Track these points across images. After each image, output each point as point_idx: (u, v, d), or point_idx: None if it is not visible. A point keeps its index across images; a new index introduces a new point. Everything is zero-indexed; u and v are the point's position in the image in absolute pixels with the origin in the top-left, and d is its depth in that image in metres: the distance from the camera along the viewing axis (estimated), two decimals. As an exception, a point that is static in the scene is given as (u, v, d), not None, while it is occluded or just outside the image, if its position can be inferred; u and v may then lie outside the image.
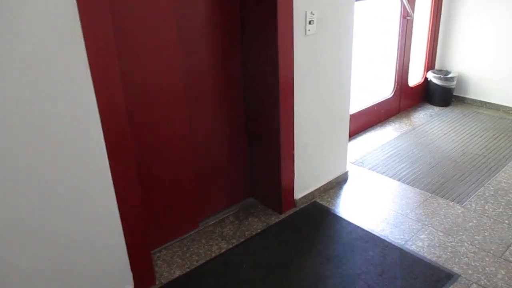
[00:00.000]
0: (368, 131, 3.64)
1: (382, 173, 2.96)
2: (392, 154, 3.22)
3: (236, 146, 2.49)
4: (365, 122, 3.65)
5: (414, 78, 4.15)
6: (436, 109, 4.08)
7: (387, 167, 3.03)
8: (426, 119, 3.85)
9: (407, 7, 3.55)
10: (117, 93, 1.64)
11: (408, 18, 3.66)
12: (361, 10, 3.48)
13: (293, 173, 2.50)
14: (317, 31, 2.29)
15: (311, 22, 2.23)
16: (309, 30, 2.24)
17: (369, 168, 3.03)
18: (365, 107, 3.61)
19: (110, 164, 1.70)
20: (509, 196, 2.63)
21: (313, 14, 2.23)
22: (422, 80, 4.18)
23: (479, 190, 2.71)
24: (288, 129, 2.35)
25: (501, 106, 3.97)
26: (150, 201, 2.15)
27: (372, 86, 3.91)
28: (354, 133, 3.54)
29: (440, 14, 4.07)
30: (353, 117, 3.48)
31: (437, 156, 3.16)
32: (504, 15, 3.70)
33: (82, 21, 1.47)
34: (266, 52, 2.19)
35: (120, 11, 1.76)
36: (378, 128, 3.70)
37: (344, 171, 2.88)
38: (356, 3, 3.14)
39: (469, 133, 3.54)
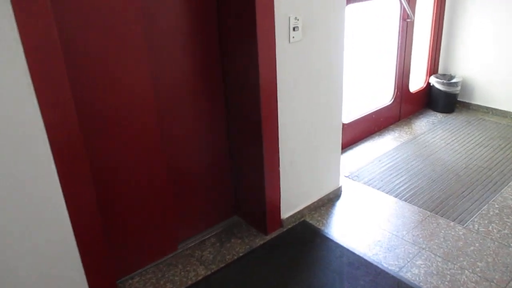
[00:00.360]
0: (365, 140, 3.43)
1: (378, 188, 2.75)
2: (390, 166, 3.02)
3: (218, 160, 2.31)
4: (362, 131, 3.44)
5: (416, 83, 3.94)
6: (439, 116, 3.86)
7: (384, 181, 2.82)
8: (428, 127, 3.63)
9: (406, 9, 3.34)
10: (68, 105, 1.46)
11: (408, 20, 3.45)
12: (358, 12, 3.28)
13: (279, 191, 2.31)
14: (303, 38, 2.10)
15: (296, 29, 2.04)
16: (293, 37, 2.05)
17: (365, 183, 2.83)
18: (363, 115, 3.40)
19: (62, 189, 1.52)
20: (515, 216, 2.42)
21: (298, 20, 2.03)
22: (425, 85, 3.96)
23: (483, 208, 2.50)
24: (272, 143, 2.16)
25: (508, 112, 3.74)
26: (120, 223, 1.97)
27: (371, 92, 3.71)
28: (350, 143, 3.34)
29: (443, 16, 3.85)
30: (349, 126, 3.28)
31: (439, 168, 2.95)
32: (512, 16, 3.47)
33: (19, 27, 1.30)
34: (246, 60, 2.00)
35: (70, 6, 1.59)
36: (376, 137, 3.49)
37: (337, 187, 2.68)
38: (353, 6, 2.94)
39: (473, 142, 3.32)
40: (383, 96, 3.69)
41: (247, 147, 2.22)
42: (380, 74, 3.72)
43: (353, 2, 2.93)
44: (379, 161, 3.10)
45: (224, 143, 2.30)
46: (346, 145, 3.31)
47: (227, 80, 2.14)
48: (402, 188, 2.74)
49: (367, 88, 3.66)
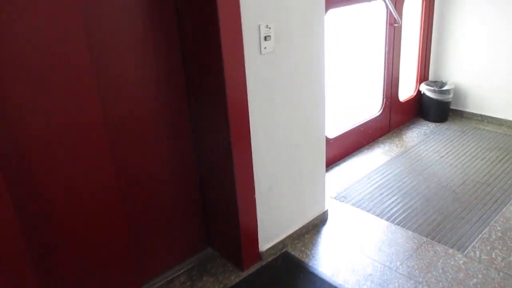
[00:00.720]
0: (353, 155, 3.18)
1: (368, 210, 2.49)
2: (381, 184, 2.76)
3: (185, 188, 2.03)
4: (350, 145, 3.19)
5: (406, 92, 3.70)
6: (431, 125, 3.63)
7: (374, 202, 2.57)
8: (420, 138, 3.39)
9: (393, 13, 3.11)
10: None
11: (395, 25, 3.22)
12: (341, 17, 3.04)
13: (256, 221, 2.04)
14: (277, 48, 1.84)
15: (267, 38, 1.78)
16: (265, 47, 1.79)
17: (353, 204, 2.57)
18: (349, 128, 3.15)
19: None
20: (520, 239, 2.18)
21: (269, 29, 1.78)
22: (415, 94, 3.73)
23: (483, 232, 2.25)
24: (245, 168, 1.89)
25: (504, 120, 3.51)
26: (67, 269, 1.69)
27: (357, 103, 3.47)
28: (336, 159, 3.09)
29: (432, 19, 3.63)
30: (335, 141, 3.03)
31: (433, 186, 2.70)
32: (505, 19, 3.25)
33: None
34: (211, 78, 1.73)
35: None
36: (365, 151, 3.24)
37: (322, 211, 2.42)
38: (334, 11, 2.70)
39: (469, 154, 3.08)
40: (371, 106, 3.45)
41: (218, 174, 1.95)
42: (367, 83, 3.48)
43: (334, 7, 2.69)
44: (369, 178, 2.84)
45: (192, 170, 2.03)
46: (332, 162, 3.05)
47: (192, 100, 1.88)
48: (394, 209, 2.49)
49: (353, 99, 3.42)
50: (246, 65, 1.74)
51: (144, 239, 1.95)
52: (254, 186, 1.96)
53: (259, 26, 1.74)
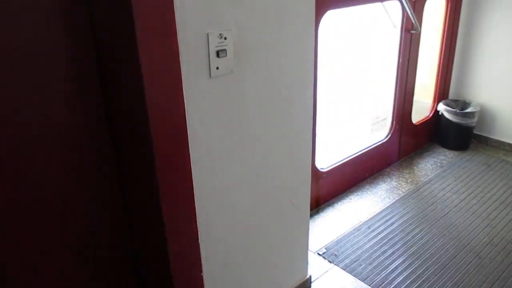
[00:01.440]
0: (351, 192, 2.57)
1: (365, 279, 1.89)
2: (383, 237, 2.16)
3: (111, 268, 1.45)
4: (347, 179, 2.58)
5: (420, 112, 3.08)
6: (450, 154, 3.01)
7: (374, 265, 1.97)
8: (436, 171, 2.78)
9: (411, 17, 2.48)
10: None
11: (413, 32, 2.59)
12: (343, 20, 2.43)
13: (205, 307, 1.45)
14: (237, 68, 1.24)
15: (222, 54, 1.18)
16: (217, 67, 1.18)
17: (345, 266, 1.97)
18: (348, 157, 2.55)
19: None
20: None
21: (225, 39, 1.17)
22: (431, 115, 3.11)
23: (520, 326, 1.65)
24: (185, 239, 1.30)
25: (539, 153, 2.89)
26: None
27: (359, 125, 2.86)
28: (329, 198, 2.48)
29: (457, 28, 3.00)
30: (329, 174, 2.42)
31: (451, 244, 2.10)
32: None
33: None
34: (132, 119, 1.14)
35: None
36: (366, 187, 2.63)
37: (304, 278, 1.83)
38: (334, 12, 2.07)
39: (497, 199, 2.47)
40: (376, 129, 2.83)
41: (149, 256, 1.36)
42: (371, 100, 2.87)
43: (334, 7, 2.07)
44: (368, 227, 2.24)
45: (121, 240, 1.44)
46: (323, 201, 2.45)
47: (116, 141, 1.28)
48: (400, 278, 1.89)
49: (353, 119, 2.82)
50: (185, 93, 1.14)
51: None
52: (200, 258, 1.37)
53: (208, 35, 1.14)
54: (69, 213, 1.20)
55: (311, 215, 2.33)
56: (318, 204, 2.42)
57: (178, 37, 1.08)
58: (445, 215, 2.33)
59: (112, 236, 1.33)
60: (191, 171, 1.22)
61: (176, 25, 1.06)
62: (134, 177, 1.24)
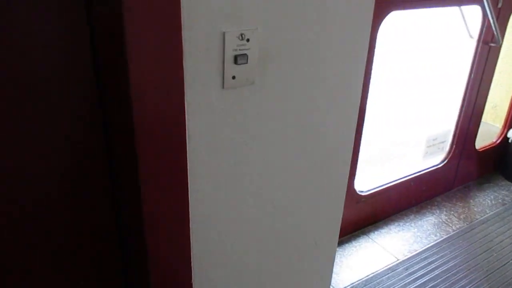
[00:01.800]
0: (391, 221, 2.25)
1: (392, 335, 1.60)
2: (421, 285, 1.84)
3: None
4: (390, 205, 2.26)
5: (486, 136, 2.68)
6: (515, 190, 2.59)
7: (406, 320, 1.67)
8: (495, 209, 2.38)
9: (493, 27, 2.08)
10: None
11: (492, 44, 2.19)
12: (407, 23, 2.08)
13: None
14: (261, 78, 0.97)
15: (241, 60, 0.91)
16: (233, 77, 0.92)
17: (373, 315, 1.68)
18: (393, 182, 2.22)
19: None
20: None
21: (248, 42, 0.90)
22: (499, 141, 2.69)
23: None
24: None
25: None
26: None
27: (412, 145, 2.51)
28: (365, 224, 2.17)
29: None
30: (369, 199, 2.12)
31: (505, 307, 1.75)
32: None
33: None
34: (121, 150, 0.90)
35: None
36: (411, 216, 2.29)
37: (320, 325, 1.55)
38: (397, 14, 1.74)
39: None
40: (431, 152, 2.47)
41: None
42: (431, 118, 2.50)
43: (400, 8, 1.73)
44: (406, 269, 1.92)
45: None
46: (358, 228, 2.15)
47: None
48: None
49: (406, 139, 2.47)
50: (188, 109, 0.89)
51: None
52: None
53: (224, 35, 0.87)
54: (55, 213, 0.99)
55: (342, 243, 2.05)
56: (352, 230, 2.12)
57: (183, 35, 0.82)
58: (501, 266, 1.96)
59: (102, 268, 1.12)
60: (189, 220, 0.97)
61: (182, 19, 0.81)
62: (126, 208, 1.02)
